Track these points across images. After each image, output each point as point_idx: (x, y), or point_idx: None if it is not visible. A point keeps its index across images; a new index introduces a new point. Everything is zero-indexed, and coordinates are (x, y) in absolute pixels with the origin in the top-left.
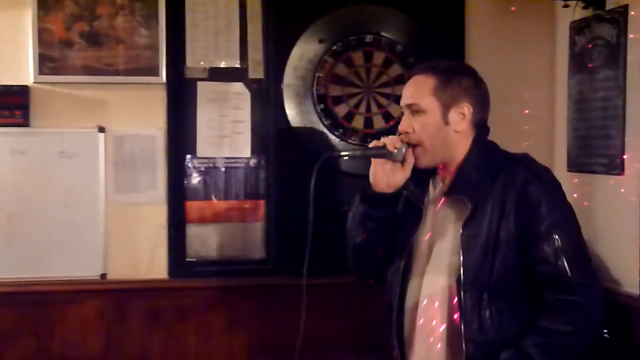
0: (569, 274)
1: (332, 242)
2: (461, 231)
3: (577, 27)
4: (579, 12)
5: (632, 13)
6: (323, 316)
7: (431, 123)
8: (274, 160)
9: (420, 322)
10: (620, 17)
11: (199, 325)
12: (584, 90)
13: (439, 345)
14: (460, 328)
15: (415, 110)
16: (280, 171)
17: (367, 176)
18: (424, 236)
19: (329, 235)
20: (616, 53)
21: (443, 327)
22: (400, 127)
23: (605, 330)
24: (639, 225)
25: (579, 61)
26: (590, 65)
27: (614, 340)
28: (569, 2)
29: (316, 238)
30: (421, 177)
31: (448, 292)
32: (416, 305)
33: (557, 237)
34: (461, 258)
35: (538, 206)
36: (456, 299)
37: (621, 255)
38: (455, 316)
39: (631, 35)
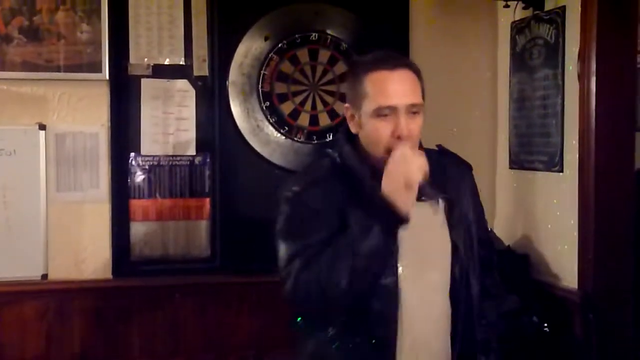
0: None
1: None
2: (448, 230)
3: (518, 27)
4: (519, 12)
5: (570, 14)
6: (269, 314)
7: (421, 125)
8: (219, 158)
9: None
10: (558, 18)
11: (142, 325)
12: (524, 89)
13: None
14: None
15: (414, 111)
16: (225, 169)
17: None
18: (406, 244)
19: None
20: (555, 53)
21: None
22: (406, 132)
23: (545, 324)
24: (577, 221)
25: (519, 60)
26: (530, 64)
27: (554, 334)
28: (509, 3)
29: (263, 235)
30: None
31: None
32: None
33: (487, 222)
34: (451, 257)
35: (477, 194)
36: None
37: (560, 251)
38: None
39: (568, 35)
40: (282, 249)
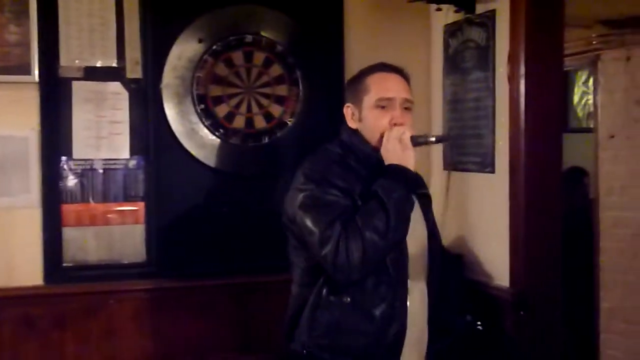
0: None
1: (215, 242)
2: (425, 223)
3: (450, 30)
4: (451, 16)
5: (500, 17)
6: (207, 318)
7: (411, 120)
8: (153, 162)
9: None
10: (488, 21)
11: (76, 333)
12: (457, 91)
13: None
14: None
15: (407, 107)
16: (160, 172)
17: (247, 176)
18: None
19: (212, 235)
20: (486, 55)
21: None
22: (400, 120)
23: (478, 323)
24: (508, 221)
25: (452, 63)
26: (462, 66)
27: (487, 332)
28: (441, 6)
29: (198, 239)
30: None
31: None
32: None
33: None
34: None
35: None
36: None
37: (493, 250)
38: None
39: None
40: (314, 218)
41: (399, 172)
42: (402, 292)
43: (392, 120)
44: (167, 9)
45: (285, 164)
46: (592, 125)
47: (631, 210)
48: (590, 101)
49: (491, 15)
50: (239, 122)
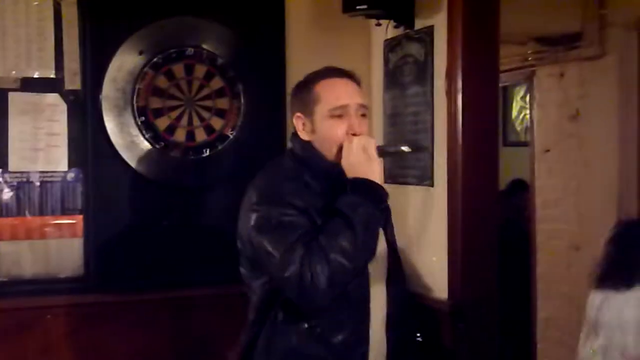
0: None
1: (155, 255)
2: (385, 238)
3: (390, 45)
4: (391, 31)
5: (437, 33)
6: (147, 333)
7: (367, 128)
8: (92, 174)
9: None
10: (427, 37)
11: (11, 350)
12: (397, 105)
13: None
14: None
15: (363, 113)
16: (99, 185)
17: (187, 189)
18: None
19: (152, 249)
20: (424, 70)
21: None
22: (359, 130)
23: (418, 334)
24: (446, 234)
25: (392, 77)
26: (402, 81)
27: (425, 344)
28: (381, 21)
29: (138, 253)
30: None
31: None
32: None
33: None
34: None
35: None
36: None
37: (432, 263)
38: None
39: (437, 54)
40: (273, 240)
41: (366, 186)
42: (364, 316)
43: (349, 129)
44: (107, 20)
45: (226, 176)
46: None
47: (565, 222)
48: (528, 116)
49: (429, 31)
50: (179, 134)
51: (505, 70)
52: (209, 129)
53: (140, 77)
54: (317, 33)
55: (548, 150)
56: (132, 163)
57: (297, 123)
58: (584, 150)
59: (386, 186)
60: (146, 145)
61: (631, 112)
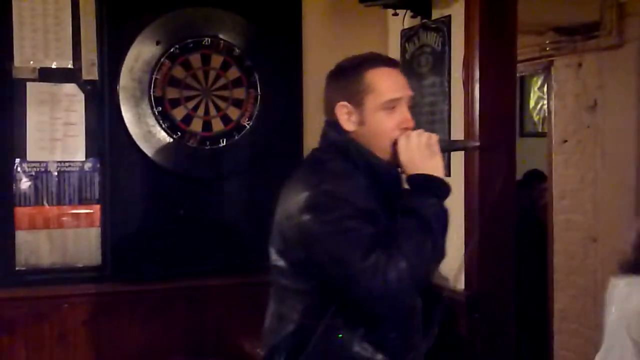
0: None
1: (171, 245)
2: None
3: (407, 35)
4: (408, 21)
5: (455, 23)
6: (162, 322)
7: None
8: (109, 164)
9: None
10: (444, 27)
11: (29, 338)
12: (414, 95)
13: None
14: None
15: (410, 105)
16: (116, 175)
17: (204, 179)
18: None
19: (168, 238)
20: (441, 60)
21: None
22: (411, 123)
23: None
24: (463, 225)
25: (409, 67)
26: (419, 71)
27: (442, 333)
28: (398, 11)
29: (154, 242)
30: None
31: None
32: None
33: None
34: None
35: None
36: None
37: (448, 253)
38: None
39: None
40: (344, 249)
41: (433, 183)
42: (413, 320)
43: (401, 123)
44: (125, 10)
45: (243, 167)
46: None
47: (581, 213)
48: (545, 106)
49: (447, 20)
50: (196, 124)
51: (523, 61)
52: (226, 119)
53: (157, 67)
54: (334, 23)
55: (565, 141)
56: (149, 153)
57: (341, 112)
58: (601, 141)
59: (403, 177)
60: (163, 135)
61: None
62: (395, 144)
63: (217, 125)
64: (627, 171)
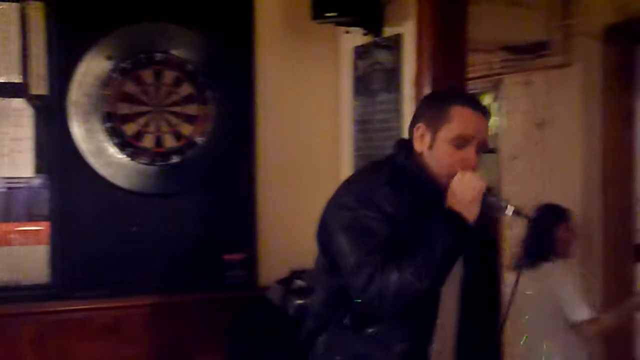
0: None
1: (123, 263)
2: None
3: (359, 52)
4: (360, 38)
5: (406, 41)
6: (115, 341)
7: None
8: (59, 180)
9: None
10: (396, 45)
11: None
12: (366, 112)
13: None
14: None
15: (480, 150)
16: (65, 192)
17: (155, 196)
18: None
19: (119, 256)
20: (393, 78)
21: None
22: (474, 164)
23: None
24: None
25: (361, 84)
26: (371, 88)
27: None
28: (350, 29)
29: (106, 259)
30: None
31: None
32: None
33: None
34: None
35: None
36: None
37: None
38: None
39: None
40: (354, 244)
41: (460, 222)
42: (429, 331)
43: (464, 160)
44: (75, 24)
45: (196, 183)
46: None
47: None
48: (496, 123)
49: (398, 39)
50: (148, 141)
51: (473, 78)
52: (178, 135)
53: (109, 83)
54: (287, 40)
55: (515, 158)
56: (100, 169)
57: (417, 132)
58: (549, 157)
59: None
60: (113, 151)
61: (595, 121)
62: (451, 177)
63: (169, 142)
64: (573, 187)
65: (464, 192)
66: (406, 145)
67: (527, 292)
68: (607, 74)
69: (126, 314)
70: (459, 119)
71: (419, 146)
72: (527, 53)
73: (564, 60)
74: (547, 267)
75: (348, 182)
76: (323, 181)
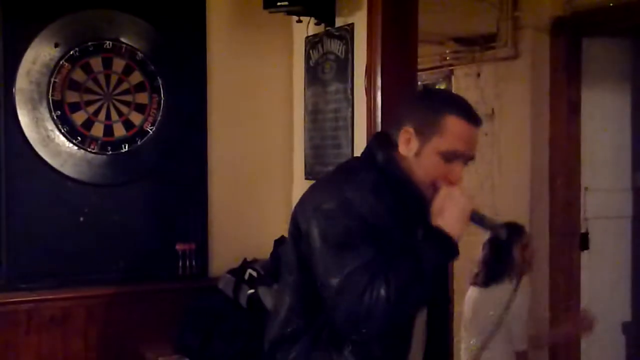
0: None
1: (71, 253)
2: None
3: (311, 42)
4: (312, 28)
5: (358, 31)
6: (61, 333)
7: None
8: (5, 169)
9: None
10: (347, 35)
11: None
12: (318, 102)
13: None
14: None
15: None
16: (12, 181)
17: (105, 185)
18: None
19: (68, 246)
20: (345, 67)
21: None
22: (459, 179)
23: None
24: None
25: (313, 74)
26: (323, 78)
27: None
28: (302, 18)
29: (53, 250)
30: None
31: None
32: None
33: None
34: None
35: None
36: None
37: None
38: None
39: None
40: (336, 262)
41: (449, 242)
42: (405, 347)
43: (451, 174)
44: (21, 11)
45: (146, 172)
46: None
47: None
48: None
49: (350, 29)
50: (97, 129)
51: (425, 69)
52: (128, 124)
53: (57, 70)
54: (239, 29)
55: None
56: (47, 158)
57: (403, 136)
58: (498, 148)
59: (307, 183)
60: (62, 140)
61: (542, 112)
62: (434, 186)
63: (119, 131)
64: (522, 178)
65: (453, 212)
66: (386, 141)
67: (490, 313)
68: (554, 66)
69: (74, 305)
70: (453, 134)
71: (404, 150)
72: (477, 45)
73: (512, 52)
74: (501, 286)
75: (328, 184)
76: (275, 171)
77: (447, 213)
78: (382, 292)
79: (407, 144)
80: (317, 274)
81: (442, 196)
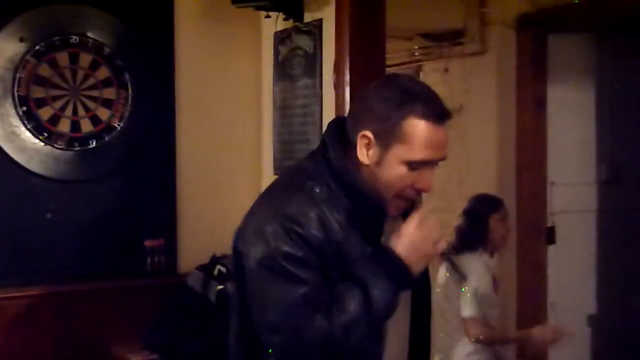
0: None
1: (37, 250)
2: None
3: (280, 38)
4: (281, 23)
5: (326, 26)
6: (29, 331)
7: None
8: None
9: None
10: (316, 30)
11: None
12: (286, 97)
13: None
14: None
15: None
16: None
17: (72, 181)
18: None
19: (34, 243)
20: (313, 63)
21: None
22: (429, 187)
23: None
24: None
25: (281, 70)
26: (291, 73)
27: None
28: (271, 14)
29: (19, 247)
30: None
31: None
32: None
33: None
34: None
35: None
36: None
37: None
38: None
39: (325, 47)
40: (274, 293)
41: (406, 277)
42: None
43: (419, 183)
44: None
45: (114, 168)
46: None
47: (450, 212)
48: None
49: (318, 24)
50: (64, 125)
51: (393, 65)
52: (95, 120)
53: (22, 65)
54: (207, 24)
55: None
56: (13, 154)
57: (361, 141)
58: (466, 142)
59: (274, 177)
60: (28, 136)
61: (509, 107)
62: (399, 197)
63: (86, 126)
64: (489, 171)
65: (420, 244)
66: (340, 136)
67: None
68: (520, 61)
69: (41, 302)
70: (417, 141)
71: (363, 157)
72: (444, 40)
73: (479, 47)
74: (469, 256)
75: (271, 196)
76: (244, 167)
77: (412, 246)
78: (324, 328)
79: (366, 151)
80: (251, 310)
81: (412, 225)
